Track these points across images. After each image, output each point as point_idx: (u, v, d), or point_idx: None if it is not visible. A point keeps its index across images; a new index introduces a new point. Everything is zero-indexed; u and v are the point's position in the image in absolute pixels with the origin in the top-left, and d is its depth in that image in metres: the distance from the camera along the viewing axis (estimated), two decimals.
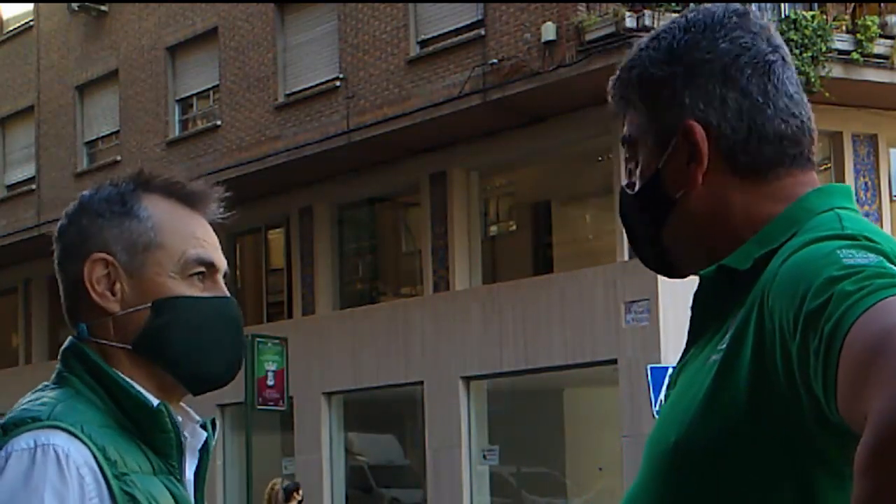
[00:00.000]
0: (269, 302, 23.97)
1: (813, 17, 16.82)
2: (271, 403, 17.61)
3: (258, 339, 17.68)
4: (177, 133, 23.95)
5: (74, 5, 25.42)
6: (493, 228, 21.37)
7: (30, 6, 27.71)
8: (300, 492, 16.53)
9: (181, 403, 2.11)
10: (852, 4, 17.78)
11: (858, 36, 17.14)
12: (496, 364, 18.92)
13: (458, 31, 19.12)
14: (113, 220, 2.06)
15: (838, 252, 1.43)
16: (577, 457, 20.01)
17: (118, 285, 2.04)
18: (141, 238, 2.05)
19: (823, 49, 16.66)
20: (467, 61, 18.58)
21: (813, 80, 16.06)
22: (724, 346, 1.55)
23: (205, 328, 2.05)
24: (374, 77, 20.09)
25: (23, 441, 1.88)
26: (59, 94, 26.52)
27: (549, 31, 17.40)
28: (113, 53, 25.27)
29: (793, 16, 16.88)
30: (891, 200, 18.74)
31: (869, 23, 17.21)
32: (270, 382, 17.51)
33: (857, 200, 1.72)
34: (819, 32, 16.67)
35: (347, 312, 21.64)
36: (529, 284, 18.86)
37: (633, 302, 17.16)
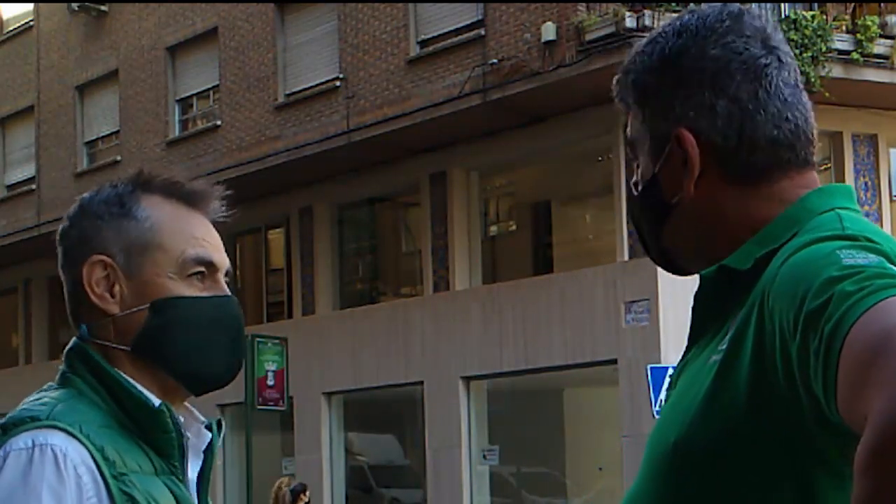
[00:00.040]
0: (269, 302, 23.97)
1: (813, 17, 16.82)
2: (271, 403, 17.61)
3: (258, 339, 17.69)
4: (177, 133, 23.95)
5: (74, 5, 25.42)
6: (493, 228, 21.37)
7: (30, 6, 27.71)
8: (307, 493, 16.49)
9: (185, 404, 2.11)
10: (852, 4, 17.78)
11: (858, 36, 17.15)
12: (496, 364, 18.92)
13: (458, 31, 19.12)
14: (111, 222, 2.06)
15: (838, 252, 1.43)
16: (577, 457, 20.01)
17: (117, 287, 2.04)
18: (139, 239, 2.05)
19: (823, 49, 16.67)
20: (467, 61, 18.58)
21: (813, 80, 16.06)
22: (725, 346, 1.55)
23: (203, 328, 2.05)
24: (374, 77, 20.09)
25: (21, 441, 1.89)
26: (59, 94, 26.52)
27: (549, 31, 17.40)
28: (113, 53, 25.27)
29: (793, 16, 16.89)
30: (891, 200, 18.75)
31: (869, 23, 17.21)
32: (270, 382, 17.52)
33: (857, 200, 1.70)
34: (819, 32, 16.67)
35: (347, 312, 21.64)
36: (529, 284, 18.86)
37: (633, 302, 17.16)
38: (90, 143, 26.16)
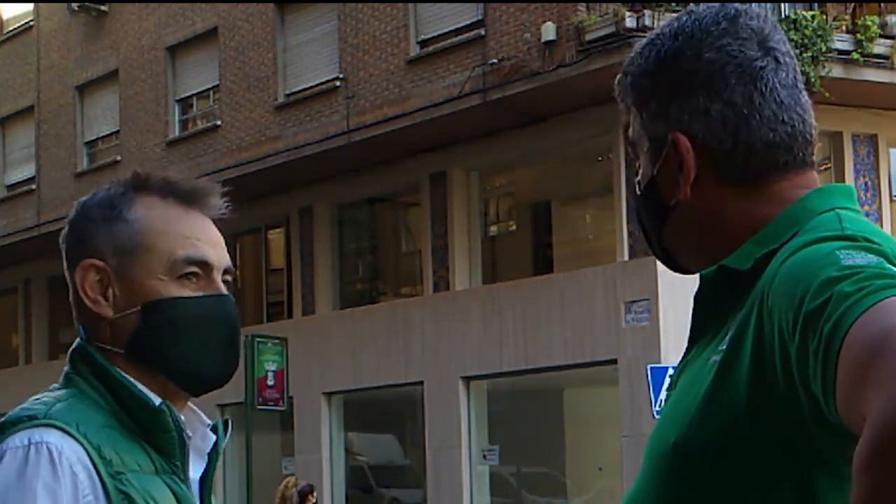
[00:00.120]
0: (269, 302, 23.98)
1: (813, 17, 16.83)
2: (271, 403, 17.61)
3: (258, 339, 17.68)
4: (177, 133, 23.95)
5: (74, 5, 25.42)
6: (493, 228, 21.37)
7: (30, 6, 27.72)
8: (314, 494, 16.46)
9: (190, 405, 2.11)
10: (852, 4, 17.78)
11: (858, 36, 17.15)
12: (496, 364, 18.92)
13: (458, 31, 19.13)
14: (103, 225, 2.07)
15: (837, 253, 1.43)
16: (577, 457, 20.01)
17: (111, 290, 2.05)
18: (129, 242, 2.05)
19: (823, 49, 16.67)
20: (467, 61, 18.58)
21: (813, 80, 16.06)
22: (725, 346, 1.55)
23: (196, 328, 2.04)
24: (374, 77, 20.10)
25: (17, 439, 1.90)
26: (59, 94, 26.52)
27: (549, 31, 17.40)
28: (113, 53, 25.28)
29: (793, 16, 16.89)
30: (891, 200, 18.75)
31: (869, 23, 17.21)
32: (270, 382, 17.52)
33: (857, 200, 1.69)
34: (819, 32, 16.67)
35: (347, 312, 21.64)
36: (529, 284, 18.86)
37: (633, 302, 17.16)
38: (90, 143, 26.16)
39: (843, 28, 17.28)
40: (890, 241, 1.51)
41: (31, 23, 27.55)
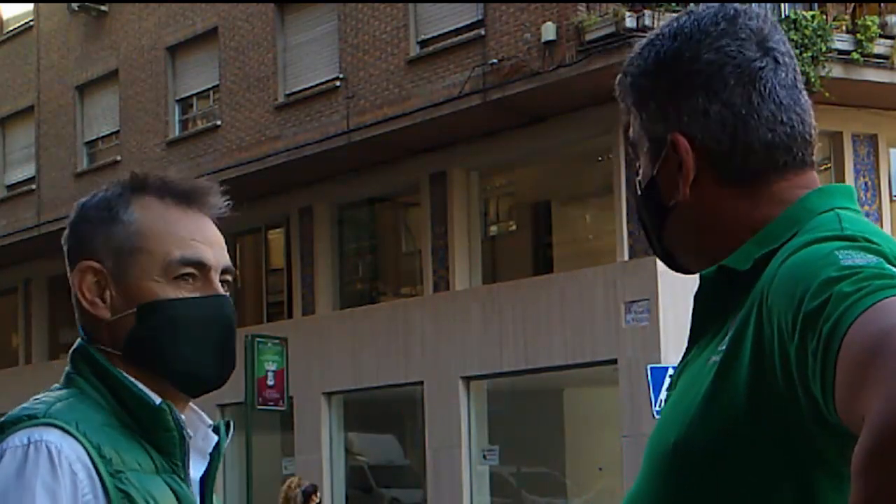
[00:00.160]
0: (269, 302, 23.97)
1: (813, 17, 16.83)
2: (271, 403, 17.61)
3: (258, 339, 17.68)
4: (177, 133, 23.95)
5: (74, 5, 25.42)
6: (493, 228, 21.37)
7: (30, 6, 27.72)
8: (318, 494, 16.44)
9: (192, 406, 2.11)
10: (852, 4, 17.78)
11: (858, 36, 17.15)
12: (496, 364, 18.92)
13: (458, 31, 19.13)
14: (100, 227, 2.07)
15: (837, 253, 1.43)
16: (577, 457, 20.01)
17: (108, 292, 2.05)
18: (124, 244, 2.05)
19: (823, 49, 16.67)
20: (467, 61, 18.58)
21: (813, 80, 16.06)
22: (724, 347, 1.55)
23: (190, 329, 2.04)
24: (374, 77, 20.10)
25: (17, 438, 1.90)
26: (59, 94, 26.52)
27: (549, 31, 17.40)
28: (113, 53, 25.27)
29: (793, 16, 16.89)
30: (891, 200, 18.75)
31: (869, 23, 17.21)
32: (270, 382, 17.51)
33: (857, 200, 1.69)
34: (819, 32, 16.67)
35: (347, 312, 21.64)
36: (529, 284, 18.86)
37: (633, 302, 17.16)
38: (90, 143, 26.16)
39: (843, 28, 17.28)
40: (890, 242, 1.51)
41: (31, 23, 27.55)
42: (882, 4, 17.83)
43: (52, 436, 1.89)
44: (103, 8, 25.39)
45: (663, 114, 1.68)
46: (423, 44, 19.69)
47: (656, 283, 16.42)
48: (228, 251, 2.14)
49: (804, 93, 1.70)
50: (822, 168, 17.72)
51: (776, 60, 1.67)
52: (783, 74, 1.67)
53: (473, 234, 20.12)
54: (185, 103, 24.22)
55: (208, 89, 23.46)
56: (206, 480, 2.10)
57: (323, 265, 22.06)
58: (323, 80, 20.98)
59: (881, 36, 17.31)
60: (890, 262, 1.42)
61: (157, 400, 2.01)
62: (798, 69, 1.71)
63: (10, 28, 28.58)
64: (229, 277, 2.11)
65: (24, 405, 1.98)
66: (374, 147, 20.02)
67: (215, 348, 2.07)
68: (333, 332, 21.21)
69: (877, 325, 1.29)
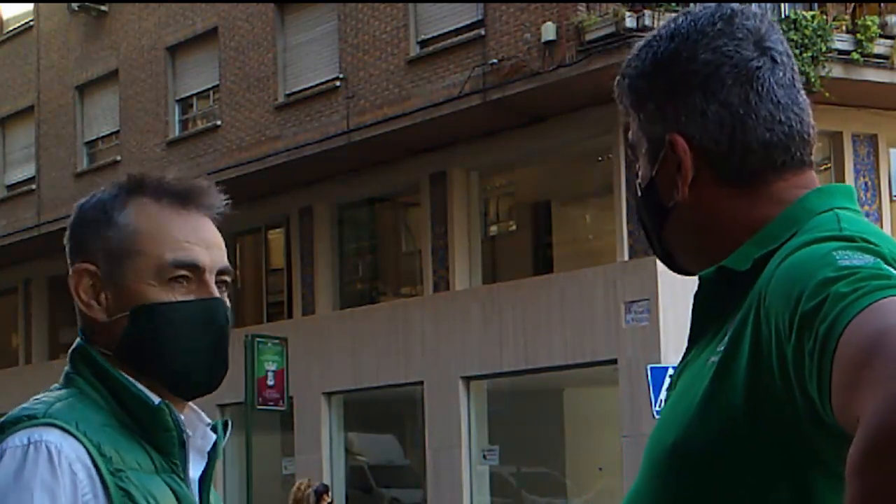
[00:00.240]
0: (269, 302, 23.97)
1: (813, 17, 16.82)
2: (271, 403, 17.60)
3: (258, 339, 17.67)
4: (177, 133, 23.95)
5: (74, 5, 25.42)
6: (493, 228, 21.37)
7: (30, 6, 27.71)
8: (329, 493, 16.41)
9: (191, 405, 2.11)
10: (852, 4, 17.78)
11: (858, 36, 17.15)
12: (496, 364, 18.92)
13: (458, 31, 19.13)
14: (96, 229, 2.07)
15: (834, 253, 1.43)
16: (577, 457, 20.01)
17: (103, 294, 2.05)
18: (119, 246, 2.04)
19: (823, 49, 16.67)
20: (467, 61, 18.58)
21: (813, 80, 16.06)
22: (723, 347, 1.55)
23: (182, 333, 2.03)
24: (374, 77, 20.10)
25: (17, 438, 1.90)
26: (59, 94, 26.52)
27: (549, 31, 17.40)
28: (113, 53, 25.27)
29: (793, 16, 16.89)
30: (891, 200, 18.74)
31: (869, 23, 17.21)
32: (270, 382, 17.51)
33: (857, 200, 1.69)
34: (819, 32, 16.67)
35: (347, 312, 21.64)
36: (529, 284, 18.86)
37: (633, 302, 17.16)
38: (90, 143, 26.16)
39: (843, 28, 17.28)
40: (889, 242, 1.51)
41: (31, 23, 27.55)
42: (882, 4, 17.83)
43: (52, 436, 1.89)
44: (103, 8, 25.38)
45: (661, 114, 1.68)
46: (423, 44, 19.69)
47: (656, 283, 16.41)
48: (228, 251, 2.13)
49: (802, 92, 1.70)
50: (822, 168, 17.73)
51: (773, 60, 1.67)
52: (781, 74, 1.67)
53: (473, 234, 20.12)
54: (185, 103, 24.23)
55: (208, 89, 23.46)
56: (204, 479, 2.10)
57: (323, 265, 22.06)
58: (323, 80, 20.98)
59: (881, 36, 17.31)
60: (888, 263, 1.42)
61: (157, 400, 2.01)
62: (796, 68, 1.70)
63: (10, 28, 28.59)
64: (226, 278, 2.10)
65: (24, 405, 1.98)
66: (374, 147, 20.02)
67: (207, 352, 2.06)
68: (333, 332, 21.21)
69: (873, 326, 1.29)
